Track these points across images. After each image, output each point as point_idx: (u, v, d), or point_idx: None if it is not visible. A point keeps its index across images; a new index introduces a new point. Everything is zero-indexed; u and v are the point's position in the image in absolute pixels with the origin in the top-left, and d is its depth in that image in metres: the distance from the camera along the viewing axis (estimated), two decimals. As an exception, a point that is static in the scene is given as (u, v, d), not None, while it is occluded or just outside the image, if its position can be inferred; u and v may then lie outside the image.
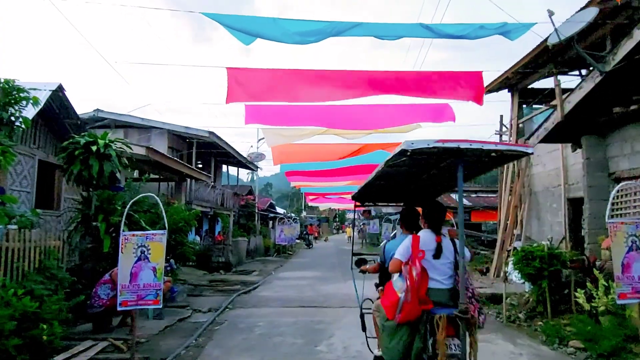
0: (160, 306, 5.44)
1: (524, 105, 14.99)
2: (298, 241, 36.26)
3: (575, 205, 11.85)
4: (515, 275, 12.81)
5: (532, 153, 3.19)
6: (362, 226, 36.69)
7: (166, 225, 5.44)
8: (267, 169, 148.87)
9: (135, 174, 17.32)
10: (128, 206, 5.78)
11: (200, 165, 23.46)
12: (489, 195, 26.71)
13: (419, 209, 4.45)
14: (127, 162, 8.13)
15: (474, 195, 26.59)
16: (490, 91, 15.18)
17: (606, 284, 6.43)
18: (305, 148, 14.86)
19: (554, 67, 12.45)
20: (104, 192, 7.87)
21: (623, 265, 5.09)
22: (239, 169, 30.07)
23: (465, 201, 23.74)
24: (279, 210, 48.07)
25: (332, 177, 17.10)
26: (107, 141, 7.74)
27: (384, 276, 4.85)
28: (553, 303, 7.51)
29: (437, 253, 3.58)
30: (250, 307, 9.01)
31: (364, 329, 5.25)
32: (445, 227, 3.88)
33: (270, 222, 34.52)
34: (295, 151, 15.14)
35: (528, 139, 8.52)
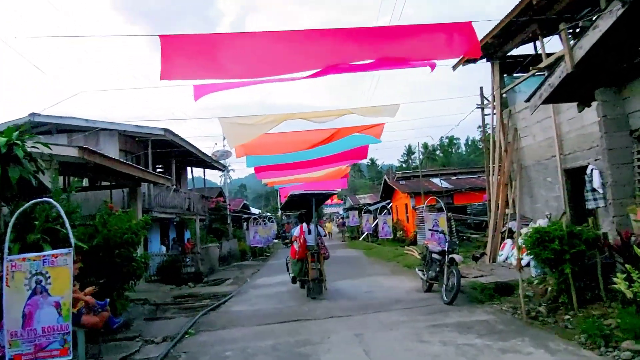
0: (70, 357, 3.87)
1: (505, 75, 13.89)
2: (276, 241, 34.69)
3: (572, 177, 10.80)
4: (514, 259, 11.74)
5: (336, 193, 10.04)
6: (342, 219, 35.49)
7: (72, 241, 3.86)
8: (241, 170, 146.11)
9: (86, 182, 15.43)
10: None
11: (160, 169, 21.58)
12: (470, 177, 25.85)
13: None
14: (43, 164, 6.44)
15: (454, 178, 25.66)
16: (468, 61, 14.04)
17: (651, 264, 5.23)
18: (271, 138, 13.32)
19: (538, 27, 11.34)
20: (19, 203, 6.18)
21: None
22: (205, 170, 28.18)
23: (445, 184, 22.68)
24: (254, 210, 46.31)
25: (306, 169, 15.62)
26: (13, 139, 6.05)
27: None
28: (578, 291, 6.30)
29: (309, 232, 10.37)
30: (219, 329, 7.47)
31: (287, 269, 11.81)
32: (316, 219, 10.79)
33: (245, 223, 32.71)
34: (260, 142, 13.58)
35: (528, 99, 7.27)
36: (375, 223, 27.07)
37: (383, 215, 23.89)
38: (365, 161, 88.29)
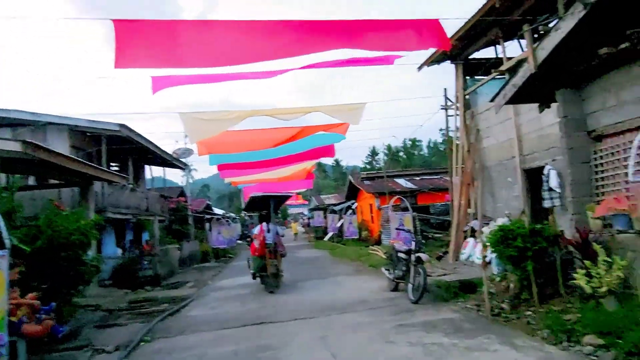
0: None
1: (468, 77, 14.13)
2: (240, 242, 34.06)
3: (531, 177, 11.07)
4: (476, 257, 11.92)
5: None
6: (307, 220, 35.34)
7: (8, 242, 3.45)
8: (204, 169, 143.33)
9: (33, 180, 14.45)
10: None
11: (116, 167, 20.64)
12: (432, 177, 26.27)
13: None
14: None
15: (417, 179, 26.00)
16: (432, 63, 14.19)
17: (609, 260, 5.33)
18: (235, 135, 12.96)
19: (500, 30, 11.57)
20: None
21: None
22: (166, 169, 27.17)
23: (409, 184, 22.90)
24: (217, 211, 45.33)
25: (270, 168, 15.32)
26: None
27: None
28: (538, 287, 6.38)
29: (268, 231, 11.11)
30: (176, 335, 7.08)
31: (248, 266, 11.73)
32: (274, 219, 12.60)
33: (207, 224, 31.88)
34: (223, 140, 13.18)
35: (493, 99, 7.33)
36: (340, 223, 27.05)
37: (348, 216, 23.91)
38: (329, 162, 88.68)
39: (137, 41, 5.47)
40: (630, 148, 5.89)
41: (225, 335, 6.72)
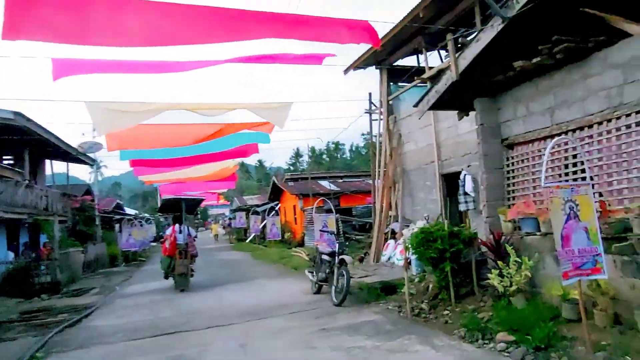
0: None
1: (391, 83, 14.54)
2: (154, 244, 32.07)
3: (448, 181, 11.62)
4: (397, 258, 12.23)
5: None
6: (228, 221, 34.33)
7: None
8: (116, 166, 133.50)
9: None
10: None
11: (9, 160, 18.39)
12: (355, 180, 26.82)
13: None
14: None
15: (340, 181, 26.37)
16: (358, 67, 14.40)
17: (519, 260, 5.63)
18: (150, 130, 12.06)
19: (424, 40, 12.03)
20: None
21: (562, 237, 4.13)
22: (71, 164, 24.66)
23: (332, 186, 23.11)
24: (130, 211, 42.43)
25: (189, 166, 14.50)
26: None
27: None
28: (455, 287, 6.61)
29: (180, 232, 11.64)
30: (76, 348, 6.30)
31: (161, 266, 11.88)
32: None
33: (117, 225, 29.60)
34: (136, 134, 12.21)
35: (417, 104, 7.51)
36: (263, 224, 26.58)
37: (271, 217, 23.54)
38: (253, 162, 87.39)
39: (33, 6, 4.71)
40: (537, 156, 6.32)
41: (134, 347, 6.10)
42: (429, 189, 12.29)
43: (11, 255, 16.16)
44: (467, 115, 7.72)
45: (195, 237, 12.93)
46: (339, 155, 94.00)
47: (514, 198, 6.66)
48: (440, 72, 12.17)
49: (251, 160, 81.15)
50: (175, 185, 22.44)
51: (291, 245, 22.07)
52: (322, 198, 12.77)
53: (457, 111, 7.77)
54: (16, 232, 18.18)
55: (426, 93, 7.18)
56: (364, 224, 20.30)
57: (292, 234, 24.35)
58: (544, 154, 6.09)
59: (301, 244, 21.27)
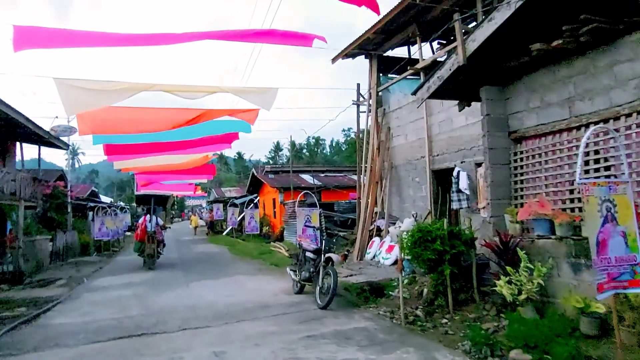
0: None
1: (381, 75, 13.97)
2: (129, 234, 30.88)
3: (439, 178, 11.15)
4: (382, 257, 11.72)
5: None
6: (210, 213, 33.34)
7: None
8: (93, 153, 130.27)
9: None
10: None
11: (-25, 142, 17.14)
12: (337, 175, 26.26)
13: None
14: None
15: (322, 175, 25.77)
16: (347, 56, 13.79)
17: (531, 266, 5.13)
18: (124, 113, 11.19)
19: (418, 29, 11.49)
20: None
21: (598, 243, 3.61)
22: (44, 148, 23.30)
23: (315, 181, 22.53)
24: (105, 199, 40.97)
25: (166, 152, 13.64)
26: None
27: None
28: (453, 293, 6.09)
29: (150, 221, 14.04)
30: (28, 351, 5.55)
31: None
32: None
33: (91, 213, 28.34)
34: (109, 118, 11.33)
35: (415, 92, 6.94)
36: (240, 217, 25.80)
37: (250, 210, 22.79)
38: (232, 155, 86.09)
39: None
40: (552, 151, 5.82)
41: (94, 352, 5.39)
42: (418, 186, 11.81)
43: (-30, 241, 15.07)
44: (469, 105, 7.20)
45: (163, 226, 16.31)
46: (319, 151, 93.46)
47: (522, 197, 6.18)
48: (435, 64, 11.71)
49: (230, 152, 79.94)
50: (151, 174, 21.47)
51: (270, 239, 21.40)
52: (305, 191, 12.14)
53: (457, 101, 7.21)
54: (-22, 217, 17.03)
55: (427, 79, 6.61)
56: (346, 220, 19.74)
57: (270, 228, 23.67)
58: (559, 149, 5.65)
59: (280, 238, 20.60)
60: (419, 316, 6.01)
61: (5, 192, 16.00)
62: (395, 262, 10.68)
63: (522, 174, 6.23)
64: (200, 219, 42.85)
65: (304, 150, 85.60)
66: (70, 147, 24.13)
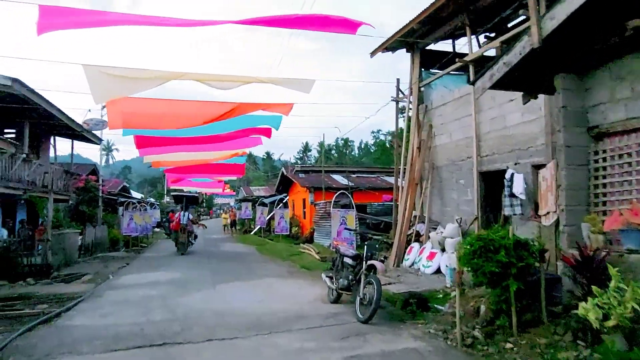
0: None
1: (422, 69, 13.11)
2: (157, 230, 30.95)
3: (487, 181, 10.23)
4: (422, 265, 10.87)
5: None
6: (230, 210, 33.00)
7: None
8: (127, 150, 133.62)
9: None
10: None
11: (11, 134, 17.25)
12: (369, 176, 25.43)
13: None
14: None
15: (353, 176, 24.97)
16: (387, 49, 13.00)
17: (624, 287, 4.24)
18: (155, 106, 10.78)
19: (467, 18, 10.59)
20: None
21: None
22: (79, 143, 23.42)
23: (346, 181, 21.80)
24: (136, 194, 41.46)
25: (196, 147, 13.23)
26: None
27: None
28: (518, 312, 5.24)
29: (184, 215, 17.67)
30: (39, 358, 5.05)
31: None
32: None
33: (121, 208, 28.51)
34: (140, 111, 10.94)
35: (475, 81, 6.12)
36: (269, 217, 25.32)
37: (280, 209, 22.22)
38: (260, 154, 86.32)
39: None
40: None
41: (111, 362, 4.84)
42: (462, 189, 10.89)
43: (4, 232, 15.08)
44: (536, 98, 6.32)
45: (195, 221, 20.41)
46: (347, 152, 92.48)
47: (604, 203, 5.28)
48: (483, 59, 10.78)
49: (259, 151, 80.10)
50: (180, 172, 21.32)
51: (299, 240, 20.80)
52: (341, 191, 11.43)
53: (522, 93, 6.34)
54: (12, 208, 17.12)
55: (490, 67, 5.78)
56: (379, 223, 18.89)
57: (300, 229, 23.07)
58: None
59: (310, 240, 19.94)
60: (477, 338, 5.19)
61: (37, 185, 16.02)
62: (438, 271, 9.84)
63: (604, 177, 5.32)
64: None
65: (333, 151, 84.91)
66: (102, 142, 24.26)
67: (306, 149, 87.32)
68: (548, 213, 6.36)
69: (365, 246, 6.84)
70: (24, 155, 15.19)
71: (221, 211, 50.76)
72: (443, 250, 10.32)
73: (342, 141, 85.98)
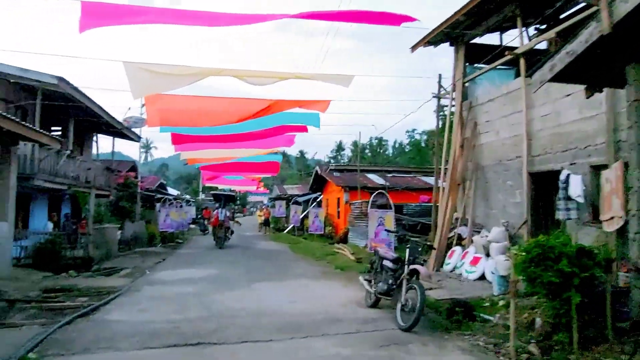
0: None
1: (467, 64, 12.53)
2: (193, 226, 31.49)
3: (537, 182, 9.61)
4: (465, 270, 10.35)
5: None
6: (264, 209, 33.09)
7: None
8: (164, 148, 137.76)
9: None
10: None
11: (58, 132, 17.83)
12: (406, 176, 24.84)
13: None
14: None
15: (389, 176, 24.44)
16: (428, 43, 12.51)
17: None
18: (192, 103, 10.77)
19: (518, 8, 9.98)
20: None
21: None
22: (120, 140, 24.10)
23: (381, 180, 21.33)
24: (172, 191, 42.39)
25: (231, 145, 13.19)
26: None
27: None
28: (580, 327, 4.75)
29: (222, 212, 19.28)
30: (77, 352, 5.02)
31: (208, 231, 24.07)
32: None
33: (158, 205, 29.17)
34: (177, 108, 10.97)
35: (532, 74, 5.63)
36: (303, 215, 25.20)
37: (314, 208, 22.01)
38: (294, 153, 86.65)
39: None
40: None
41: (145, 361, 4.73)
42: (510, 190, 10.30)
43: (50, 225, 15.60)
44: (601, 91, 5.80)
45: (232, 218, 22.52)
46: (381, 151, 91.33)
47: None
48: (534, 52, 10.14)
49: (292, 150, 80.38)
50: (216, 169, 21.50)
51: (332, 240, 20.52)
52: (379, 191, 11.08)
53: (585, 86, 5.80)
54: (57, 203, 17.72)
55: (551, 56, 5.29)
56: (416, 224, 18.35)
57: (333, 228, 22.79)
58: None
59: (343, 239, 19.61)
60: (533, 354, 4.74)
61: (81, 180, 16.49)
62: (482, 278, 9.31)
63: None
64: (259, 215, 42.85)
65: (366, 151, 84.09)
66: (141, 139, 24.84)
67: (339, 148, 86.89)
68: (612, 218, 5.81)
69: (407, 249, 6.47)
70: (69, 152, 15.66)
71: (255, 209, 51.16)
72: (487, 255, 9.79)
73: (376, 140, 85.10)
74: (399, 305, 6.10)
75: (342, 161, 75.79)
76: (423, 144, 63.90)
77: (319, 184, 28.06)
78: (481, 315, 6.61)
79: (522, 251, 5.03)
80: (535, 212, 9.52)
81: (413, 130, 78.07)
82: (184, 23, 7.71)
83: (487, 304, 7.29)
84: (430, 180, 24.02)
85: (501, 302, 7.09)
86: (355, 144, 74.12)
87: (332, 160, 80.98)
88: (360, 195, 19.97)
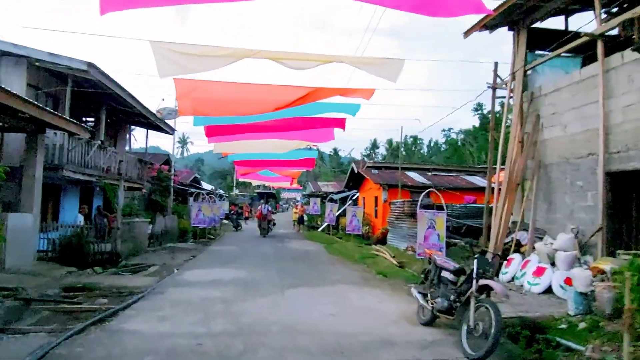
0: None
1: (527, 51, 11.16)
2: (225, 222, 31.05)
3: (614, 183, 8.25)
4: (527, 281, 9.06)
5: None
6: (298, 206, 32.30)
7: None
8: (200, 143, 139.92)
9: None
10: None
11: (90, 122, 17.58)
12: (448, 175, 23.41)
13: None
14: None
15: (429, 174, 23.10)
16: (485, 27, 11.23)
17: None
18: (224, 90, 9.96)
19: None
20: None
21: None
22: (154, 132, 23.80)
23: (422, 179, 20.04)
24: (206, 186, 42.32)
25: (266, 135, 12.33)
26: None
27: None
28: None
29: (265, 207, 23.60)
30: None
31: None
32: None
33: (190, 199, 28.88)
34: (209, 96, 10.19)
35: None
36: (338, 213, 24.20)
37: (352, 207, 20.93)
38: (327, 151, 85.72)
39: None
40: None
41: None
42: (580, 192, 8.95)
43: (80, 218, 15.28)
44: None
45: (272, 212, 26.34)
46: (416, 150, 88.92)
47: None
48: (606, 38, 8.73)
49: (326, 147, 79.38)
50: (250, 164, 20.85)
51: (369, 240, 19.44)
52: (430, 189, 9.94)
53: None
54: (89, 195, 17.45)
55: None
56: (460, 227, 17.02)
57: (370, 228, 21.69)
58: None
59: (382, 241, 18.48)
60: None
61: (112, 172, 16.11)
62: (549, 291, 8.03)
63: None
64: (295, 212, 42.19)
65: (401, 149, 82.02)
66: (176, 132, 24.50)
67: (374, 145, 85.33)
68: None
69: (476, 260, 5.34)
70: (99, 142, 15.28)
71: (287, 205, 50.61)
72: (552, 264, 8.52)
73: (411, 139, 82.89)
74: (464, 327, 5.00)
75: (376, 159, 74.29)
76: (460, 144, 61.72)
77: (355, 181, 26.99)
78: (560, 340, 5.44)
79: (636, 270, 3.85)
80: (612, 218, 8.17)
81: (449, 129, 75.86)
82: (208, 1, 6.84)
83: (563, 326, 6.10)
84: (474, 179, 22.56)
85: (582, 324, 5.88)
86: (389, 142, 72.42)
87: (365, 158, 79.52)
88: (400, 194, 18.79)
